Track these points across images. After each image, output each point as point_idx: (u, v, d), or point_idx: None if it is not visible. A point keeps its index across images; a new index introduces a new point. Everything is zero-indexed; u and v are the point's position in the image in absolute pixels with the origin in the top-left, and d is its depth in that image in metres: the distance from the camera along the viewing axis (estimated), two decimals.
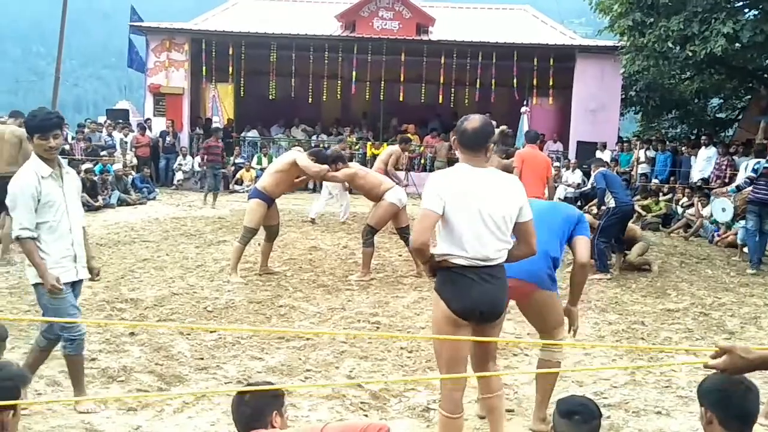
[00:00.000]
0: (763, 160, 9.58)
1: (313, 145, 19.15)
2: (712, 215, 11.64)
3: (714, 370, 2.20)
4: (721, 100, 22.38)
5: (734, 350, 2.15)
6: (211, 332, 5.57)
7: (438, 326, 3.31)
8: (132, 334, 5.45)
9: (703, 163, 14.49)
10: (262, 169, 17.35)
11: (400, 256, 9.06)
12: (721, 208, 10.95)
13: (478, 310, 3.21)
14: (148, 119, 18.62)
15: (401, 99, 18.84)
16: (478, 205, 3.14)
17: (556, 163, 16.46)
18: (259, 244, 8.36)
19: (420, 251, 3.19)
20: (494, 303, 3.25)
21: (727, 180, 13.29)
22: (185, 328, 5.57)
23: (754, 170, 9.34)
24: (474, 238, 3.15)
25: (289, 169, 7.63)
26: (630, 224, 9.40)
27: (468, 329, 3.27)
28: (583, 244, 4.02)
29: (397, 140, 11.42)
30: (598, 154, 16.03)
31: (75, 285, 4.08)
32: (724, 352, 2.15)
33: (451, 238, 3.19)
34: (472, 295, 3.18)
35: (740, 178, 10.27)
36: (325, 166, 7.66)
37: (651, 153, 15.96)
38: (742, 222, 10.21)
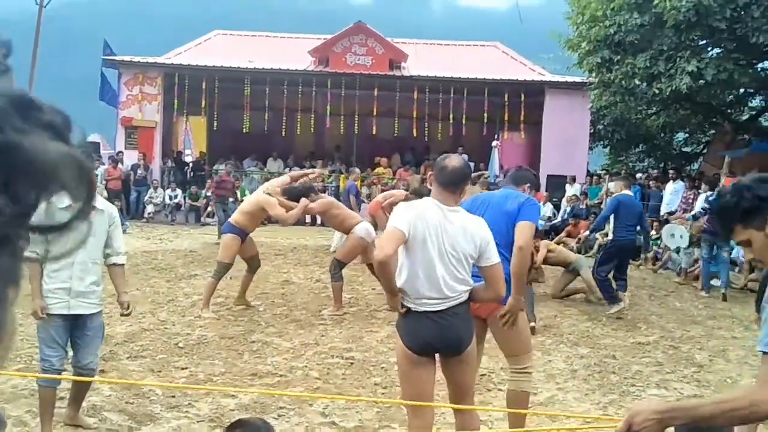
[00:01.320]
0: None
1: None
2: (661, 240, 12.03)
3: None
4: (687, 135, 22.95)
5: (641, 406, 2.04)
6: (182, 369, 5.49)
7: (399, 362, 3.37)
8: (102, 371, 5.35)
9: (670, 196, 14.79)
10: (234, 202, 17.33)
11: (373, 289, 9.05)
12: (670, 234, 11.29)
13: (430, 346, 3.25)
14: (120, 152, 18.50)
15: (374, 133, 19.00)
16: (438, 242, 3.18)
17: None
18: (230, 278, 8.30)
19: (383, 265, 3.16)
20: (448, 340, 3.26)
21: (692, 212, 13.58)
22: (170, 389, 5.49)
23: (709, 202, 9.97)
24: (427, 274, 3.19)
25: (253, 210, 7.61)
26: (561, 248, 9.61)
27: (429, 365, 3.31)
28: (522, 229, 3.86)
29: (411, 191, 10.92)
30: (568, 187, 16.29)
31: (77, 319, 4.08)
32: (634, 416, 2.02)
33: (408, 271, 3.24)
34: (423, 333, 3.23)
35: (697, 208, 10.79)
36: (301, 204, 7.59)
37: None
38: (697, 251, 10.69)
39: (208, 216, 17.32)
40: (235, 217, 7.76)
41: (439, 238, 3.19)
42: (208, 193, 17.90)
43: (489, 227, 3.41)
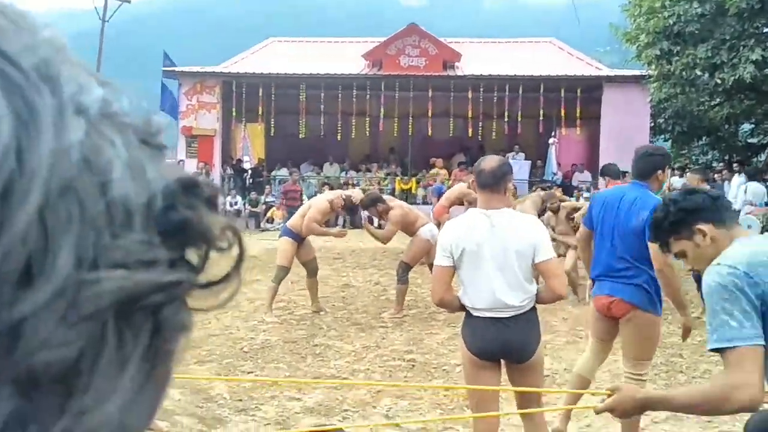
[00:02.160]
0: None
1: (342, 182, 19.40)
2: None
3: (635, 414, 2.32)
4: (753, 126, 22.14)
5: (623, 391, 2.23)
6: (248, 372, 5.62)
7: (464, 366, 3.40)
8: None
9: (736, 189, 14.33)
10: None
11: None
12: (747, 225, 10.97)
13: (491, 352, 3.26)
14: (182, 161, 19.00)
15: (429, 134, 19.01)
16: (489, 253, 3.16)
17: (586, 194, 16.39)
18: (291, 282, 8.44)
19: (441, 306, 3.42)
20: (509, 347, 3.24)
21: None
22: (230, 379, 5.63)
23: None
24: (484, 287, 3.19)
25: (304, 214, 7.71)
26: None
27: (493, 370, 3.32)
28: (652, 249, 3.68)
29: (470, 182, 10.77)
30: (686, 177, 15.91)
31: None
32: (612, 393, 2.22)
33: (464, 287, 3.30)
34: (484, 338, 3.25)
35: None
36: (390, 228, 7.65)
37: (684, 180, 15.82)
38: None
39: (267, 221, 17.63)
40: (293, 221, 7.89)
41: (489, 248, 3.16)
42: (268, 199, 18.23)
43: (617, 237, 3.72)
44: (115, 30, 26.25)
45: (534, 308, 3.31)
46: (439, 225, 11.00)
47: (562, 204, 8.89)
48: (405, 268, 7.83)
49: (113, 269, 0.26)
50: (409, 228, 7.96)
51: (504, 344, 3.23)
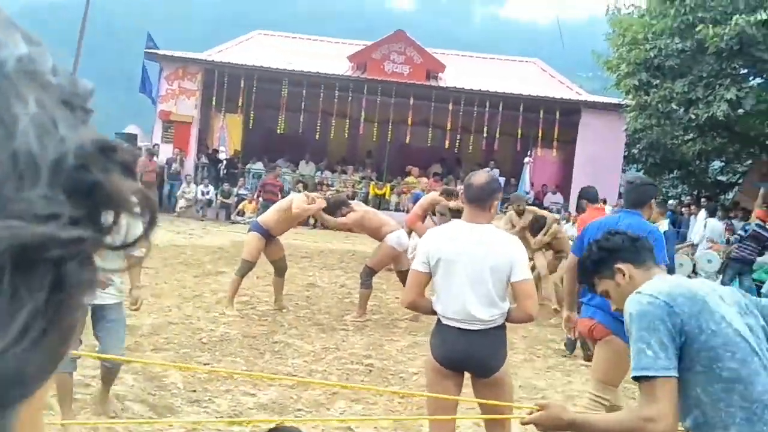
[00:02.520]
0: (753, 223, 10.19)
1: (317, 182, 19.37)
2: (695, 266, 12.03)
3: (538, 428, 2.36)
4: (723, 164, 22.64)
5: (551, 408, 2.31)
6: (204, 364, 5.60)
7: (426, 372, 3.45)
8: (126, 361, 5.48)
9: (701, 224, 14.63)
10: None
11: (397, 298, 9.09)
12: (707, 259, 11.27)
13: (456, 361, 3.28)
14: (156, 145, 18.81)
15: (407, 141, 19.09)
16: (466, 264, 3.20)
17: (556, 215, 16.57)
18: (257, 278, 8.42)
19: (410, 308, 3.48)
20: (473, 359, 3.27)
21: (725, 242, 13.43)
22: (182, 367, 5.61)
23: (744, 230, 9.89)
24: (456, 298, 3.23)
25: (288, 209, 7.71)
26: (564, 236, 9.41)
27: (455, 380, 3.33)
28: None
29: (441, 191, 10.70)
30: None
31: (94, 310, 4.08)
32: (541, 408, 2.31)
33: (437, 294, 3.33)
34: (450, 346, 3.28)
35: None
36: (340, 220, 7.77)
37: None
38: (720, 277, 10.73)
39: (238, 214, 17.53)
40: (264, 217, 7.87)
41: (466, 260, 3.21)
42: (240, 191, 18.14)
43: None
44: (100, 6, 25.90)
45: (503, 326, 3.34)
46: (410, 233, 11.13)
47: (528, 208, 9.30)
48: (369, 273, 7.86)
49: (10, 219, 0.27)
50: (375, 233, 8.00)
51: (467, 356, 3.27)
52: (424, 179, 15.60)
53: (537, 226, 9.05)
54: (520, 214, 9.09)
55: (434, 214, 10.59)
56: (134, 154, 0.34)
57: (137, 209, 0.34)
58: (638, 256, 2.36)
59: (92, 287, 0.33)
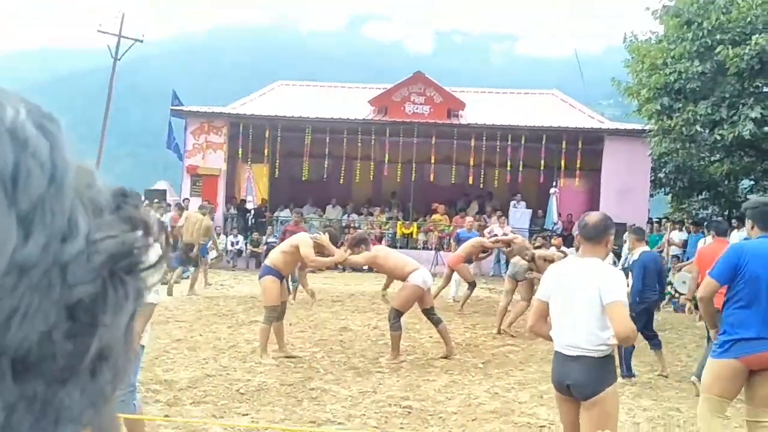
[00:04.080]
0: None
1: (343, 225, 19.51)
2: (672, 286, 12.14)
3: None
4: (753, 182, 22.30)
5: None
6: (244, 415, 5.62)
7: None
8: (166, 416, 5.52)
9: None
10: None
11: (431, 337, 9.06)
12: (682, 281, 11.15)
13: (560, 383, 3.71)
14: (186, 199, 19.13)
15: (432, 179, 19.18)
16: (574, 297, 3.60)
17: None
18: (290, 324, 8.46)
19: (532, 332, 4.08)
20: (578, 381, 3.62)
21: None
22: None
23: None
24: (565, 327, 3.65)
25: (294, 251, 7.76)
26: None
27: (572, 403, 3.72)
28: None
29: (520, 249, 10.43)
30: (626, 236, 16.00)
31: None
32: None
33: (553, 322, 3.77)
34: (558, 369, 3.73)
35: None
36: (337, 253, 7.80)
37: (683, 234, 15.89)
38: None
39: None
40: (272, 260, 7.88)
41: (576, 292, 3.60)
42: (269, 239, 18.29)
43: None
44: (126, 68, 26.68)
45: (608, 355, 3.67)
46: (452, 273, 11.50)
47: (536, 253, 9.67)
48: (396, 315, 7.82)
49: (105, 237, 0.40)
50: (395, 273, 8.02)
51: (566, 377, 3.66)
52: (469, 218, 15.51)
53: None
54: (530, 260, 9.63)
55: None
56: (139, 198, 0.47)
57: (158, 233, 0.45)
58: None
59: (143, 297, 0.43)
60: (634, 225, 9.78)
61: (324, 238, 7.88)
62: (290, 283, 12.07)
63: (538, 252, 9.72)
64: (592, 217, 3.84)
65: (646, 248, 8.17)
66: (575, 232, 18.11)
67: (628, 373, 7.48)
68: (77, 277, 0.38)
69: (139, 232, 0.43)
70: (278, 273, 7.73)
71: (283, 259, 7.77)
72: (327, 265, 8.05)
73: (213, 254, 18.01)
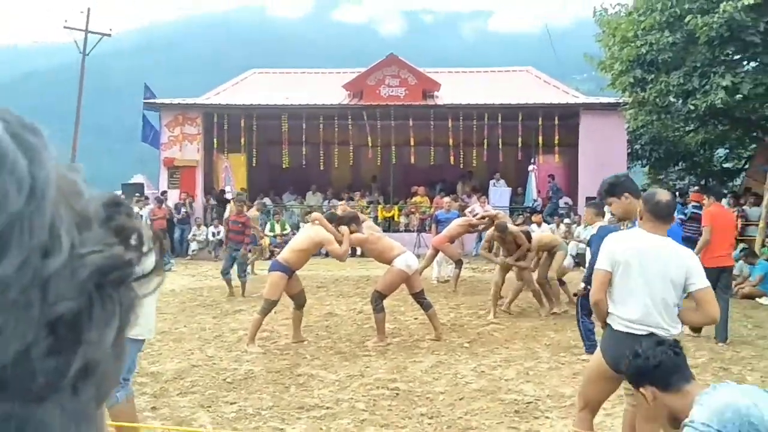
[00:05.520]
0: (690, 205, 11.53)
1: (325, 210, 19.45)
2: None
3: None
4: (727, 150, 22.58)
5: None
6: (231, 403, 5.61)
7: (591, 367, 3.74)
8: (153, 408, 5.50)
9: None
10: (275, 236, 17.60)
11: (416, 319, 9.10)
12: None
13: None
14: (164, 192, 18.97)
15: (412, 162, 19.18)
16: (647, 269, 3.46)
17: (567, 220, 16.56)
18: (275, 312, 8.45)
19: (596, 306, 3.69)
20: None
21: (738, 230, 13.35)
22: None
23: (684, 213, 10.99)
24: (637, 303, 3.48)
25: (309, 247, 7.77)
26: (550, 235, 9.94)
27: (616, 382, 3.60)
28: None
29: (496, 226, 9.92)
30: (606, 208, 16.12)
31: None
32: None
33: (617, 297, 3.58)
34: (622, 346, 3.41)
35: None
36: (345, 236, 7.76)
37: None
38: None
39: (250, 251, 17.56)
40: (284, 255, 7.88)
41: (649, 265, 3.46)
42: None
43: None
44: (96, 62, 26.28)
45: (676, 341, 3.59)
46: (436, 253, 11.52)
47: (510, 229, 9.69)
48: (378, 297, 7.84)
49: (91, 251, 0.39)
50: (382, 257, 8.02)
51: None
52: (447, 199, 15.49)
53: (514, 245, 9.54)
54: (501, 235, 9.58)
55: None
56: (130, 205, 0.46)
57: (151, 243, 0.44)
58: (664, 381, 2.40)
59: (136, 307, 0.43)
60: (594, 199, 9.83)
61: (327, 232, 7.81)
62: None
63: (512, 228, 9.75)
64: (664, 195, 3.72)
65: (604, 223, 8.22)
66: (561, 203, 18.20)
67: (590, 351, 7.55)
68: (59, 293, 0.37)
69: (132, 242, 0.42)
70: (289, 269, 7.70)
71: (297, 257, 7.76)
72: (347, 250, 8.05)
73: (194, 246, 17.96)
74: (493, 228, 9.82)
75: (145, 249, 0.43)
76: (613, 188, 4.26)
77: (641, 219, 3.72)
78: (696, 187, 12.97)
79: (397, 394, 5.99)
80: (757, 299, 10.70)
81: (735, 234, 9.01)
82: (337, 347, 7.70)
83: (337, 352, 7.45)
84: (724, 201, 14.62)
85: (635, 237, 3.61)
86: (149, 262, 0.43)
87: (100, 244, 0.40)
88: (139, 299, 0.43)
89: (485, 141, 18.69)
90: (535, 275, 9.65)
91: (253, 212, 13.50)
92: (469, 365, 6.88)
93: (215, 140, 19.07)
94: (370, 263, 12.61)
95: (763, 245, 12.86)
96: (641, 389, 2.43)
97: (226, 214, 14.50)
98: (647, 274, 3.44)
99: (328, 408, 5.54)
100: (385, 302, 7.99)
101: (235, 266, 11.46)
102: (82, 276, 0.38)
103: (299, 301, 7.94)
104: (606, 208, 8.31)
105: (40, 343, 0.36)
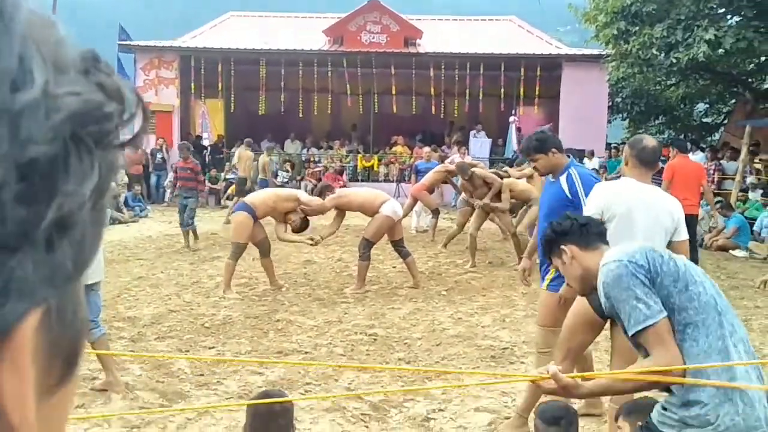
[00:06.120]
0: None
1: (303, 159, 19.32)
2: None
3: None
4: (707, 105, 22.68)
5: (566, 386, 2.36)
6: (210, 348, 5.62)
7: (576, 315, 3.60)
8: (132, 351, 5.49)
9: None
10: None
11: (394, 268, 9.14)
12: None
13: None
14: None
15: (394, 111, 19.00)
16: (639, 222, 3.45)
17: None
18: (253, 259, 8.42)
19: None
20: None
21: (715, 183, 13.48)
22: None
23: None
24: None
25: (277, 203, 7.72)
26: (525, 184, 9.70)
27: (600, 327, 3.57)
28: None
29: (456, 168, 10.24)
30: (587, 161, 16.20)
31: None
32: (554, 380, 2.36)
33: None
34: None
35: None
36: (319, 205, 7.85)
37: None
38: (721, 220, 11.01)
39: (227, 198, 17.45)
40: (252, 198, 7.83)
41: (641, 217, 3.45)
42: (228, 176, 18.04)
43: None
44: (67, 2, 25.47)
45: None
46: (415, 202, 11.43)
47: (476, 171, 9.52)
48: (366, 245, 7.87)
49: (67, 93, 0.36)
50: (364, 209, 8.02)
51: None
52: (426, 149, 15.35)
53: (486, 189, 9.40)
54: (468, 180, 9.48)
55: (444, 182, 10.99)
56: (112, 68, 0.41)
57: (133, 105, 0.40)
58: (584, 240, 2.55)
59: (118, 169, 0.40)
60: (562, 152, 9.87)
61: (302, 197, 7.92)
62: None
63: (477, 170, 9.60)
64: (651, 140, 3.72)
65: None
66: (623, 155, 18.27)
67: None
68: (31, 134, 0.34)
69: (112, 102, 0.38)
70: (253, 211, 7.59)
71: (263, 201, 7.68)
72: (317, 213, 8.08)
73: (170, 192, 17.74)
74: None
75: (124, 110, 0.39)
76: (543, 144, 4.30)
77: (626, 165, 3.71)
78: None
79: (375, 339, 6.03)
80: (730, 251, 10.88)
81: (702, 184, 8.88)
82: (316, 294, 7.72)
83: (316, 299, 7.47)
84: (701, 154, 14.74)
85: (626, 187, 3.62)
86: (128, 130, 0.40)
87: (78, 87, 0.36)
88: (120, 164, 0.40)
89: (467, 91, 18.53)
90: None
91: (263, 158, 14.10)
92: (446, 312, 6.95)
93: (192, 85, 18.67)
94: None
95: (737, 199, 13.05)
96: (562, 246, 2.52)
97: (173, 162, 14.39)
98: (640, 223, 3.46)
99: (306, 353, 5.58)
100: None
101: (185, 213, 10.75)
102: (57, 119, 0.35)
103: (263, 247, 7.84)
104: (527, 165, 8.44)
105: (11, 186, 0.33)
